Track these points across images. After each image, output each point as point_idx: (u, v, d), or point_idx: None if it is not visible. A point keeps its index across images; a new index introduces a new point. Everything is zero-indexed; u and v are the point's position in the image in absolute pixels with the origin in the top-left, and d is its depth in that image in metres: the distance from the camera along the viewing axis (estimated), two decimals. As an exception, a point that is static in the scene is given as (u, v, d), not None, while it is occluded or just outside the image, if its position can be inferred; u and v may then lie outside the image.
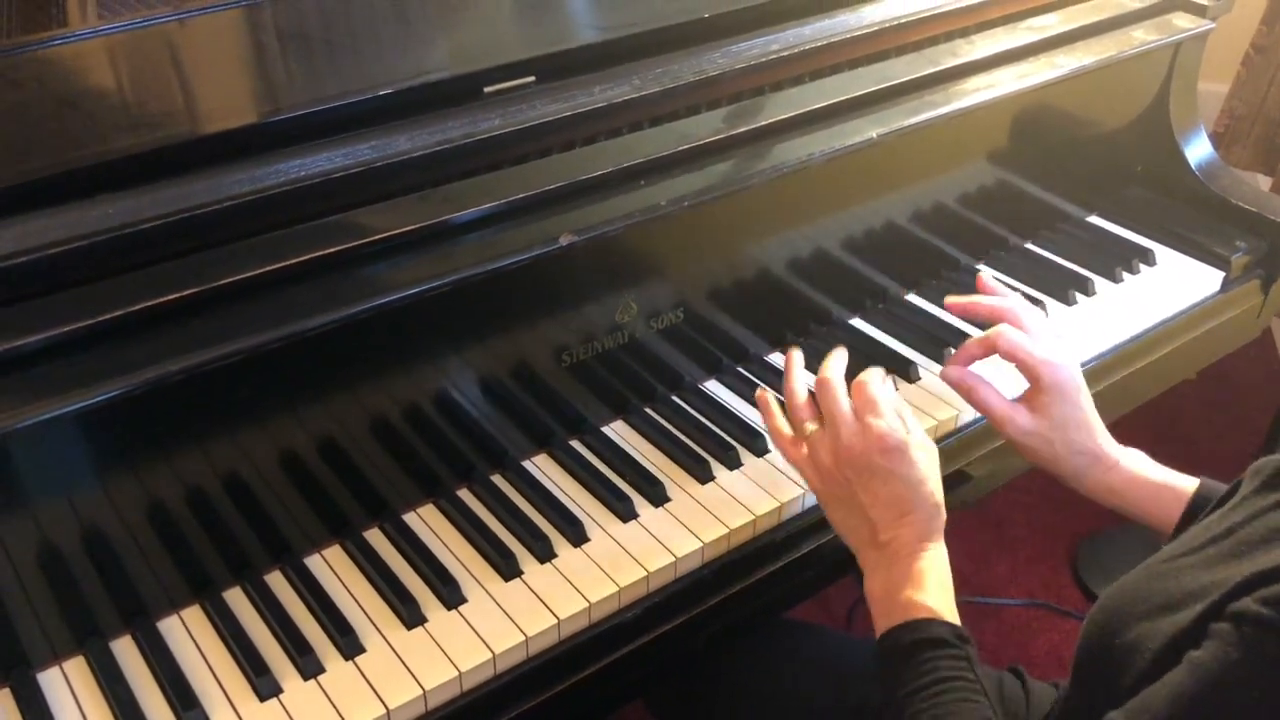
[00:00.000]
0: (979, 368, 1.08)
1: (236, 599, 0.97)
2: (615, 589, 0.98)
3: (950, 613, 0.88)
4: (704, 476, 1.09)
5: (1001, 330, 1.04)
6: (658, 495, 1.07)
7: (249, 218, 0.92)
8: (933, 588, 0.89)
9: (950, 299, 1.12)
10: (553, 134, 1.07)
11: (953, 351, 1.13)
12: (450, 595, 0.96)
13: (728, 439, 1.13)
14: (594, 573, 0.99)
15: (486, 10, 1.21)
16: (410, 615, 0.95)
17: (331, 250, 0.92)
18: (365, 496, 1.03)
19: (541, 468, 1.11)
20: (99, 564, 0.91)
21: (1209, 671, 0.67)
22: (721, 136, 1.12)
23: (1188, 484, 1.00)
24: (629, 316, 1.11)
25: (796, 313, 1.27)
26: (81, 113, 0.98)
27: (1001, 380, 1.07)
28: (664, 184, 1.07)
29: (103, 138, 0.96)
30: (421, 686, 0.90)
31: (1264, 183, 2.34)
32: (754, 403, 1.18)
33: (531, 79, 1.11)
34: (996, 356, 1.05)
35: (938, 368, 1.24)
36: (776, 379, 1.21)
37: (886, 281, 1.35)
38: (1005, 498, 2.07)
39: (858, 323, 1.32)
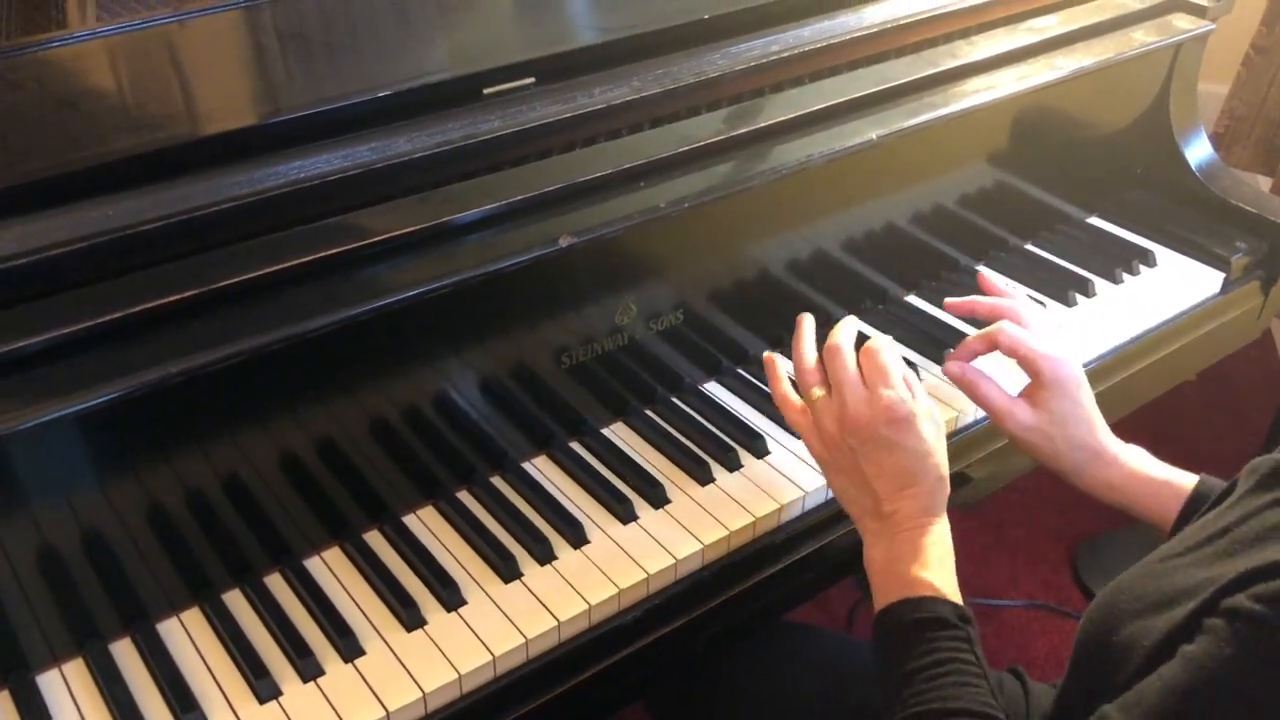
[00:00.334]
0: (980, 364, 1.08)
1: (236, 601, 0.97)
2: (615, 591, 0.98)
3: (952, 590, 0.88)
4: (704, 478, 1.09)
5: (1002, 326, 1.04)
6: (658, 497, 1.07)
7: (248, 219, 0.92)
8: (935, 563, 0.89)
9: (950, 300, 1.12)
10: (552, 135, 1.07)
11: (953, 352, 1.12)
12: (450, 597, 0.96)
13: (728, 441, 1.13)
14: (594, 575, 0.99)
15: (486, 11, 1.21)
16: (410, 617, 0.95)
17: (331, 252, 0.92)
18: (365, 498, 1.03)
19: (541, 469, 1.11)
20: (98, 566, 0.90)
21: (1201, 666, 0.67)
22: (721, 138, 1.12)
23: (1187, 480, 1.01)
24: (629, 318, 1.11)
25: (796, 314, 1.27)
26: (81, 114, 0.98)
27: (1002, 376, 1.07)
28: (664, 185, 1.07)
29: (103, 139, 0.96)
30: (421, 689, 0.90)
31: (1264, 183, 2.34)
32: (754, 404, 1.18)
33: (531, 80, 1.11)
34: (998, 353, 1.05)
35: (938, 369, 1.24)
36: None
37: (886, 283, 1.35)
38: (1005, 499, 2.07)
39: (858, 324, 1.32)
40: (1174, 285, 1.42)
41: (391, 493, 1.04)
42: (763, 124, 1.14)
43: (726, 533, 1.04)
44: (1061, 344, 1.04)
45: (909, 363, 1.23)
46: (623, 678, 1.00)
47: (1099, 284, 1.40)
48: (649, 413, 1.17)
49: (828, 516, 1.10)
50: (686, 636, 1.02)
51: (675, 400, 1.19)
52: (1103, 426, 1.04)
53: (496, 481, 1.09)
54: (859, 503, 0.95)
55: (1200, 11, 1.46)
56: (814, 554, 1.09)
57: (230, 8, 1.09)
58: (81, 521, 0.88)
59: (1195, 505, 0.97)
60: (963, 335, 1.26)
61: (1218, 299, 1.43)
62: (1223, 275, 1.42)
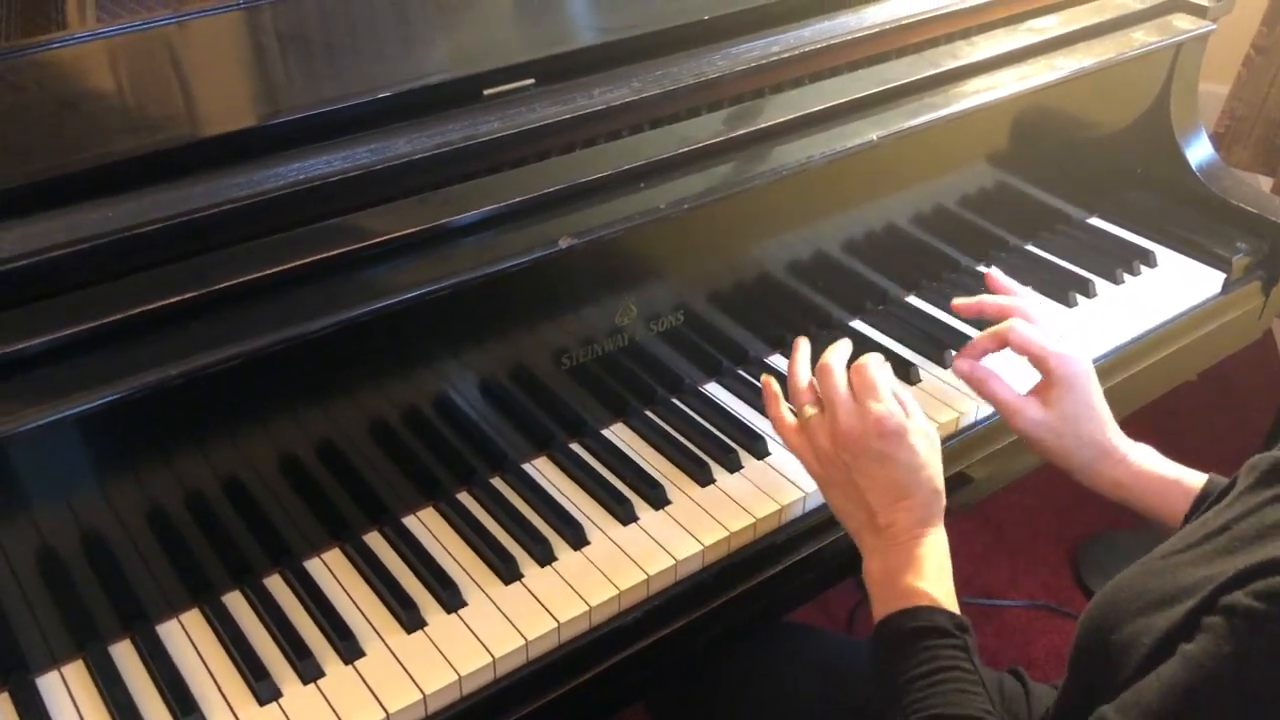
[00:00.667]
0: (988, 362, 1.08)
1: (236, 603, 0.97)
2: (615, 592, 0.98)
3: (949, 600, 0.88)
4: (704, 479, 1.09)
5: (1013, 324, 1.04)
6: (658, 498, 1.07)
7: (248, 221, 0.92)
8: (932, 574, 0.89)
9: (957, 301, 1.12)
10: (552, 136, 1.07)
11: (954, 353, 1.12)
12: (450, 599, 0.96)
13: (728, 441, 1.13)
14: (594, 576, 0.99)
15: (486, 13, 1.21)
16: (410, 619, 0.95)
17: (331, 253, 0.92)
18: (365, 500, 1.03)
19: (541, 470, 1.11)
20: (98, 567, 0.90)
21: (1200, 664, 0.67)
22: (721, 139, 1.12)
23: (1195, 479, 1.01)
24: (629, 319, 1.11)
25: (797, 315, 1.27)
26: (81, 115, 0.98)
27: (1011, 375, 1.07)
28: (664, 186, 1.07)
29: (103, 140, 0.96)
30: (421, 690, 0.90)
31: (1265, 184, 2.34)
32: (754, 405, 1.18)
33: (531, 81, 1.11)
34: (1007, 351, 1.05)
35: (939, 369, 1.24)
36: (779, 381, 1.21)
37: (887, 283, 1.34)
38: (1006, 500, 2.07)
39: (858, 325, 1.32)
40: (1174, 285, 1.42)
41: (391, 494, 1.04)
42: (763, 125, 1.14)
43: (727, 534, 1.04)
44: (1071, 341, 1.04)
45: (910, 363, 1.24)
46: (623, 679, 1.00)
47: (1099, 284, 1.40)
48: (649, 414, 1.17)
49: (828, 517, 1.09)
50: (687, 637, 1.02)
51: (675, 401, 1.19)
52: (1112, 424, 1.04)
53: (496, 483, 1.09)
54: (855, 517, 0.95)
55: (1201, 11, 1.46)
56: (814, 555, 1.09)
57: (230, 9, 1.09)
58: (82, 523, 0.88)
59: (1202, 504, 0.97)
60: (963, 335, 1.27)
61: (1218, 299, 1.42)
62: (1223, 275, 1.42)
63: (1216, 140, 2.15)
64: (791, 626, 1.20)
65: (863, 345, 1.27)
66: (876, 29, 1.27)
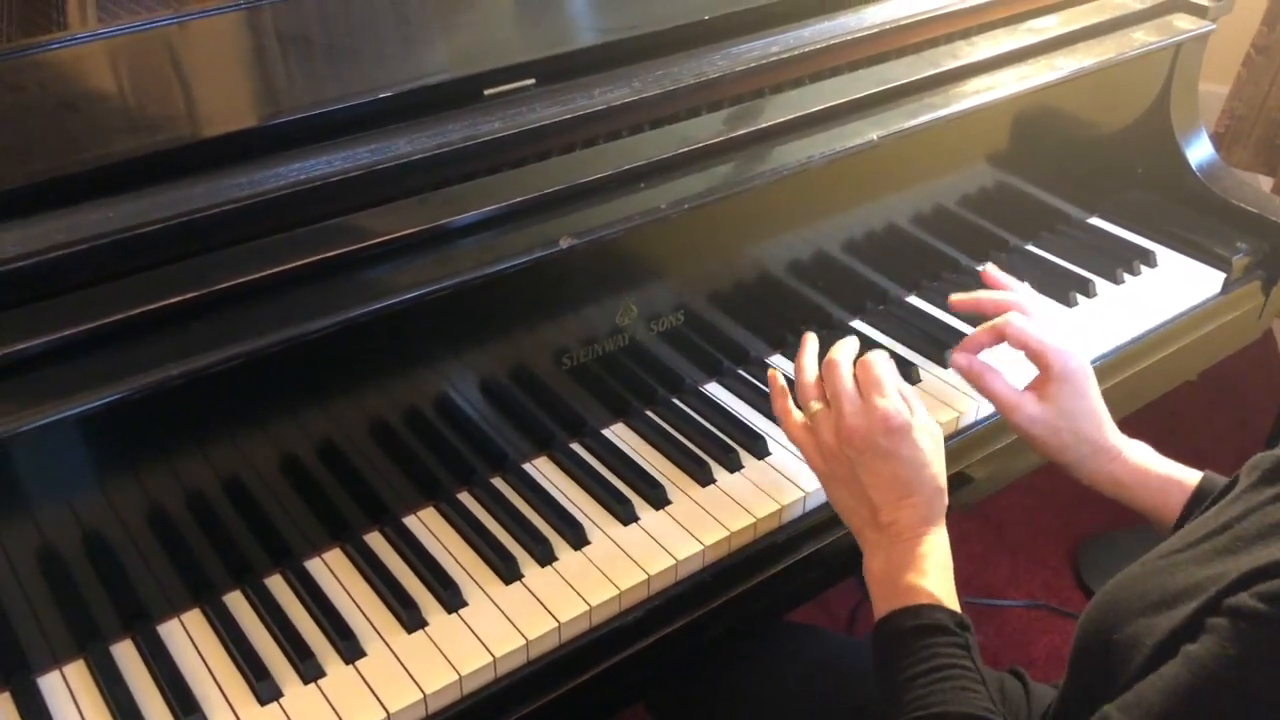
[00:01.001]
0: (987, 357, 1.08)
1: (237, 602, 0.97)
2: (616, 592, 0.98)
3: (950, 598, 0.88)
4: (704, 479, 1.09)
5: (1010, 318, 1.04)
6: (658, 498, 1.07)
7: (249, 221, 0.92)
8: (933, 572, 0.89)
9: (955, 297, 1.12)
10: (552, 136, 1.07)
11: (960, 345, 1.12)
12: (451, 598, 0.96)
13: (728, 441, 1.13)
14: (594, 575, 0.99)
15: (486, 13, 1.21)
16: (411, 619, 0.95)
17: (331, 253, 0.92)
18: (365, 500, 1.03)
19: (542, 470, 1.11)
20: (99, 567, 0.91)
21: (1204, 666, 0.67)
22: (721, 139, 1.12)
23: (1191, 477, 1.01)
24: (629, 319, 1.11)
25: (797, 315, 1.27)
26: (82, 116, 0.98)
27: (1011, 372, 1.07)
28: (664, 186, 1.07)
29: (103, 141, 0.96)
30: (422, 690, 0.90)
31: (1265, 183, 2.34)
32: (755, 405, 1.18)
33: (531, 81, 1.11)
34: (1005, 347, 1.05)
35: (939, 369, 1.24)
36: (783, 375, 1.21)
37: (887, 283, 1.35)
38: (1006, 500, 2.07)
39: (858, 324, 1.32)
40: (1175, 285, 1.42)
41: (392, 494, 1.04)
42: (763, 125, 1.14)
43: (727, 533, 1.04)
44: (1070, 337, 1.04)
45: (910, 363, 1.24)
46: (623, 679, 1.00)
47: (1100, 284, 1.40)
48: (649, 414, 1.17)
49: (829, 517, 1.10)
50: (687, 637, 1.02)
51: (676, 401, 1.19)
52: (1109, 421, 1.04)
53: (497, 482, 1.09)
54: (858, 514, 0.95)
55: (1201, 11, 1.46)
56: (815, 554, 1.09)
57: (231, 9, 1.09)
58: (83, 523, 0.88)
59: (1198, 502, 0.97)
60: (963, 335, 1.26)
61: (1218, 299, 1.42)
62: (1223, 275, 1.42)
63: (1217, 140, 2.15)
64: (792, 626, 1.20)
65: (864, 345, 1.28)
66: (876, 29, 1.27)
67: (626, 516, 1.05)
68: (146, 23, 1.05)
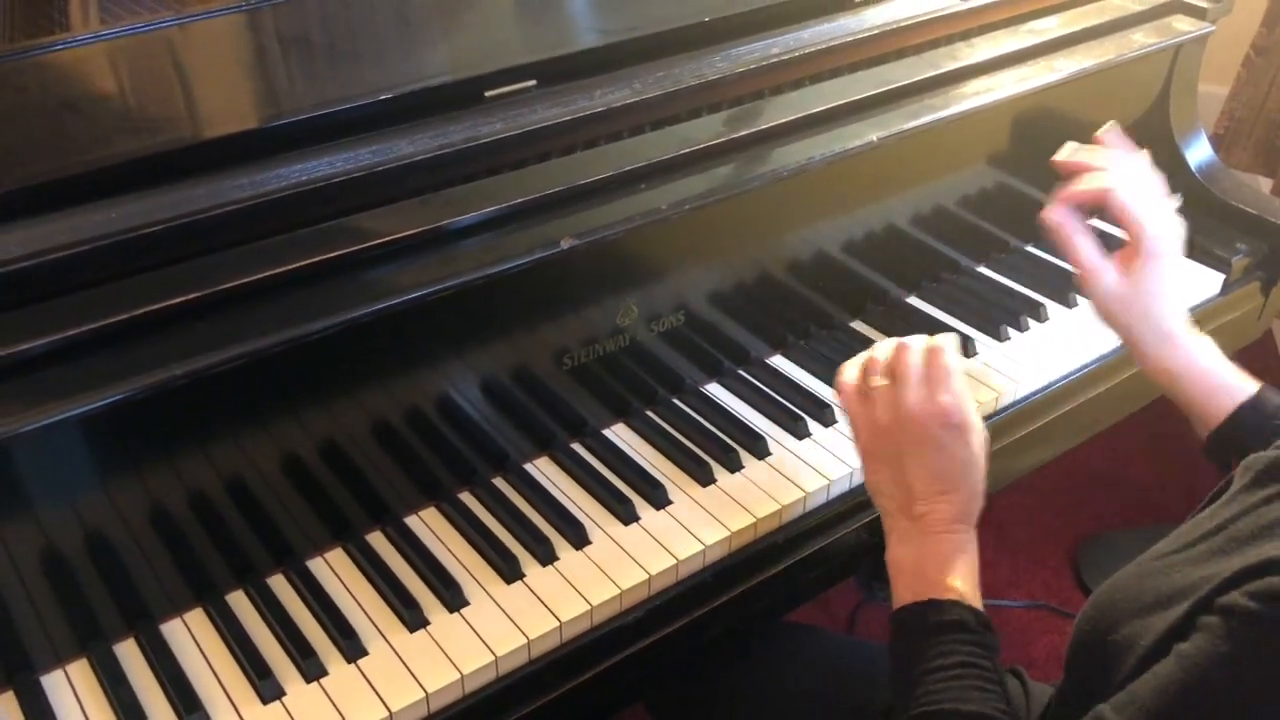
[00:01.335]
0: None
1: (239, 602, 0.97)
2: (617, 591, 0.98)
3: (975, 599, 0.88)
4: (705, 479, 1.09)
5: (1116, 185, 1.01)
6: (659, 498, 1.07)
7: (251, 222, 0.92)
8: (961, 570, 0.89)
9: (1059, 157, 1.05)
10: (553, 138, 1.07)
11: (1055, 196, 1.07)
12: (452, 598, 0.97)
13: (729, 441, 1.13)
14: (595, 575, 0.99)
15: (487, 14, 1.22)
16: (412, 618, 0.95)
17: (333, 254, 0.92)
18: (367, 499, 1.03)
19: (543, 470, 1.11)
20: (102, 567, 0.91)
21: (1196, 664, 0.67)
22: (722, 140, 1.12)
23: (1245, 389, 0.99)
24: (630, 319, 1.11)
25: (797, 316, 1.28)
26: (84, 117, 0.98)
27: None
28: (665, 187, 1.07)
29: (105, 142, 0.96)
30: (424, 689, 0.90)
31: (1264, 185, 2.34)
32: (755, 405, 1.19)
33: (532, 83, 1.11)
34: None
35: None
36: (777, 382, 1.22)
37: (887, 284, 1.35)
38: (1007, 499, 2.07)
39: (859, 325, 1.32)
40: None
41: (394, 494, 1.05)
42: (763, 126, 1.14)
43: (728, 533, 1.04)
44: (1168, 218, 1.02)
45: (910, 364, 1.24)
46: (624, 678, 1.00)
47: (1099, 285, 1.40)
48: (650, 414, 1.17)
49: (829, 517, 1.10)
50: (688, 637, 1.03)
51: (676, 401, 1.19)
52: (1181, 312, 1.02)
53: (498, 482, 1.09)
54: (894, 498, 0.94)
55: (1200, 13, 1.46)
56: (815, 554, 1.09)
57: (232, 11, 1.09)
58: (86, 523, 0.88)
59: (1244, 417, 0.96)
60: (966, 336, 1.27)
61: (1218, 300, 1.43)
62: (1223, 276, 1.43)
63: (1216, 141, 2.16)
64: (792, 626, 1.20)
65: (864, 346, 1.28)
66: (876, 31, 1.27)
67: (627, 516, 1.05)
68: (149, 24, 1.06)
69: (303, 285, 0.91)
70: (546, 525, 1.04)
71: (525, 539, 1.02)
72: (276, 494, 0.97)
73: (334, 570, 1.01)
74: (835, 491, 1.11)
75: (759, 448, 1.13)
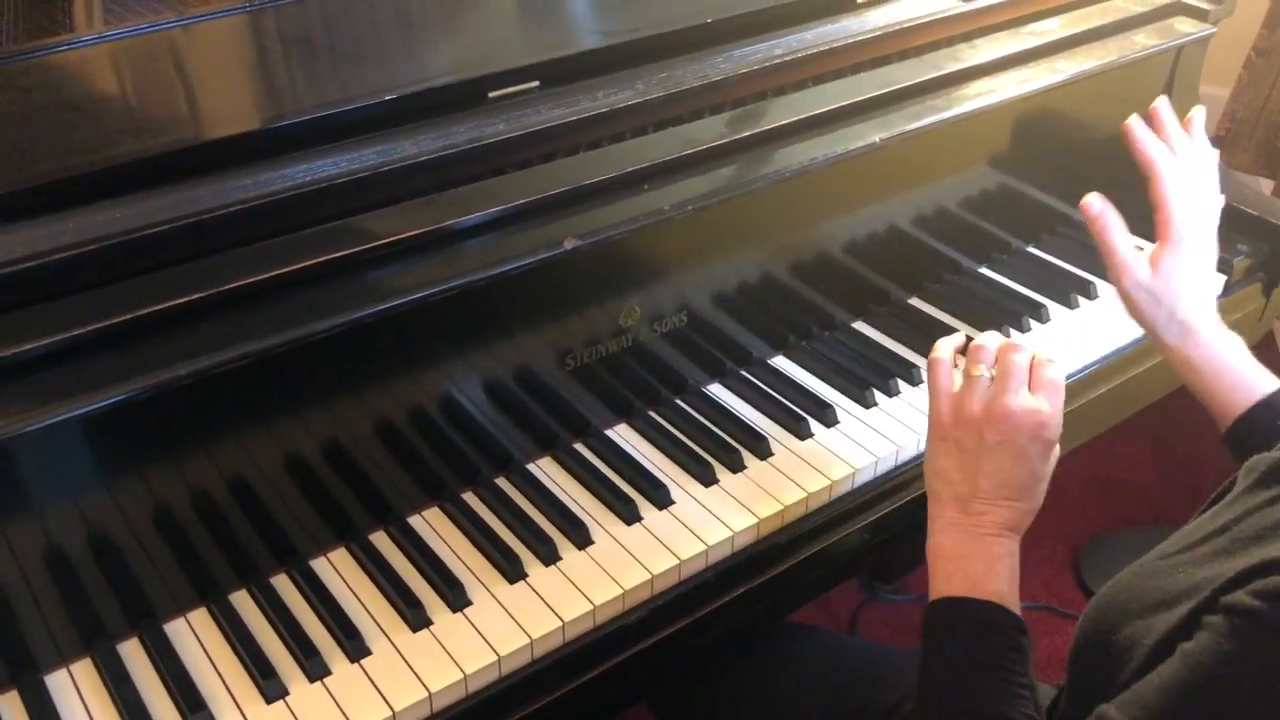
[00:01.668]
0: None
1: (243, 602, 0.98)
2: (619, 591, 0.98)
3: (1015, 605, 0.88)
4: (708, 479, 1.10)
5: (1165, 176, 1.04)
6: (661, 498, 1.07)
7: (255, 222, 0.93)
8: (1005, 575, 0.89)
9: (1130, 122, 1.10)
10: (557, 139, 1.07)
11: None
12: (455, 598, 0.97)
13: (731, 442, 1.13)
14: (598, 575, 1.00)
15: (490, 16, 1.22)
16: (415, 618, 0.95)
17: (337, 255, 0.92)
18: (370, 500, 1.03)
19: (546, 470, 1.11)
20: (106, 567, 0.91)
21: (1200, 663, 0.68)
22: (725, 141, 1.12)
23: (1265, 385, 0.99)
24: (633, 320, 1.12)
25: (799, 316, 1.28)
26: (89, 117, 0.99)
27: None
28: (668, 188, 1.07)
29: (110, 142, 0.96)
30: (427, 689, 0.90)
31: (1266, 186, 2.34)
32: (757, 406, 1.19)
33: (536, 84, 1.12)
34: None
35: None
36: (779, 382, 1.22)
37: (889, 285, 1.35)
38: (1008, 500, 2.07)
39: (861, 326, 1.32)
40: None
41: (397, 494, 1.05)
42: (766, 127, 1.15)
43: (730, 534, 1.04)
44: (1205, 213, 1.04)
45: (912, 364, 1.24)
46: (626, 678, 1.01)
47: (1101, 286, 1.40)
48: (653, 414, 1.18)
49: (833, 517, 1.10)
50: (690, 637, 1.03)
51: (679, 402, 1.19)
52: (1209, 309, 1.04)
53: (501, 483, 1.09)
54: (952, 488, 0.93)
55: (1201, 15, 1.47)
56: (818, 555, 1.09)
57: (237, 12, 1.09)
58: (90, 522, 0.89)
59: (1258, 415, 0.97)
60: (968, 337, 1.27)
61: (1219, 301, 1.42)
62: (1224, 278, 1.43)
63: (1217, 143, 2.15)
64: (794, 627, 1.20)
65: (865, 347, 1.28)
66: (879, 32, 1.27)
67: (630, 516, 1.05)
68: (153, 25, 1.06)
69: (306, 285, 0.91)
70: (549, 525, 1.04)
71: (528, 539, 1.02)
72: (280, 494, 0.98)
73: (337, 570, 1.01)
74: (838, 492, 1.11)
75: (761, 448, 1.13)
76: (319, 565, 1.01)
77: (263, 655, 0.92)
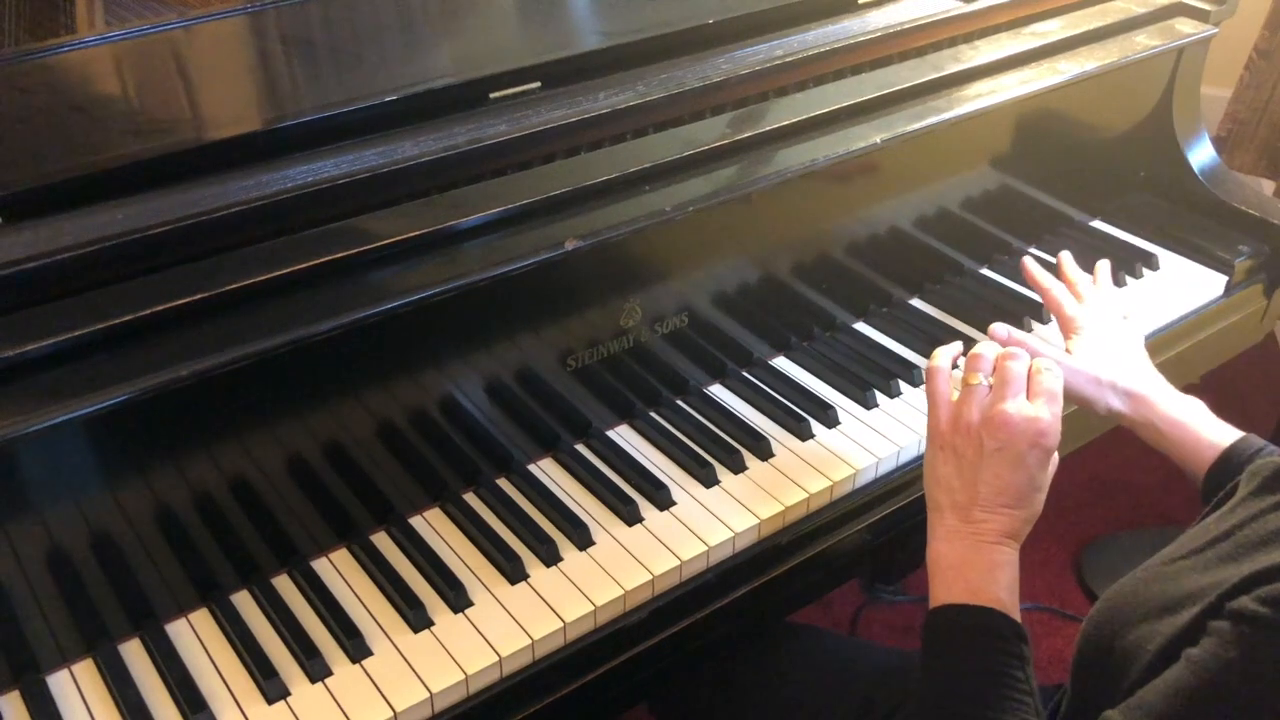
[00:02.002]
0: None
1: (244, 602, 0.98)
2: (620, 592, 0.98)
3: (1015, 613, 0.88)
4: (709, 480, 1.10)
5: (1052, 289, 1.18)
6: (663, 499, 1.07)
7: (257, 223, 0.93)
8: (1005, 583, 0.89)
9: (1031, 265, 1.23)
10: (558, 139, 1.07)
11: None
12: (456, 599, 0.97)
13: (732, 443, 1.13)
14: (599, 576, 1.00)
15: (492, 17, 1.22)
16: (417, 618, 0.95)
17: (338, 255, 0.93)
18: (372, 501, 1.03)
19: (547, 471, 1.11)
20: (108, 567, 0.91)
21: (1205, 668, 0.68)
22: (726, 142, 1.12)
23: (1225, 438, 1.01)
24: (634, 321, 1.12)
25: (801, 317, 1.28)
26: (91, 118, 0.99)
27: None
28: (669, 189, 1.07)
29: (112, 143, 0.97)
30: (428, 689, 0.90)
31: (1267, 187, 2.34)
32: (758, 407, 1.19)
33: (537, 85, 1.12)
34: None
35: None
36: (781, 383, 1.22)
37: (891, 286, 1.35)
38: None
39: (862, 327, 1.32)
40: (1177, 288, 1.42)
41: (398, 495, 1.05)
42: (767, 128, 1.15)
43: (731, 535, 1.04)
44: (1109, 311, 1.16)
45: (913, 365, 1.24)
46: (627, 679, 1.01)
47: (1102, 287, 1.40)
48: (654, 415, 1.18)
49: (833, 518, 1.10)
50: (691, 638, 1.03)
51: (680, 403, 1.19)
52: (1153, 374, 1.09)
53: (502, 484, 1.09)
54: (952, 495, 0.93)
55: (1203, 15, 1.47)
56: (818, 556, 1.09)
57: (238, 13, 1.09)
58: (92, 523, 0.89)
59: (1227, 465, 0.98)
60: (969, 340, 1.27)
61: (1220, 302, 1.43)
62: (1225, 278, 1.43)
63: (1219, 143, 2.16)
64: (795, 627, 1.20)
65: (866, 348, 1.28)
66: (880, 33, 1.27)
67: (631, 517, 1.05)
68: (154, 26, 1.06)
69: (308, 286, 0.92)
70: (550, 526, 1.04)
71: (529, 540, 1.03)
72: (281, 495, 0.98)
73: (339, 571, 1.01)
74: (840, 492, 1.11)
75: (762, 449, 1.13)
76: (320, 566, 1.01)
77: (264, 656, 0.92)
